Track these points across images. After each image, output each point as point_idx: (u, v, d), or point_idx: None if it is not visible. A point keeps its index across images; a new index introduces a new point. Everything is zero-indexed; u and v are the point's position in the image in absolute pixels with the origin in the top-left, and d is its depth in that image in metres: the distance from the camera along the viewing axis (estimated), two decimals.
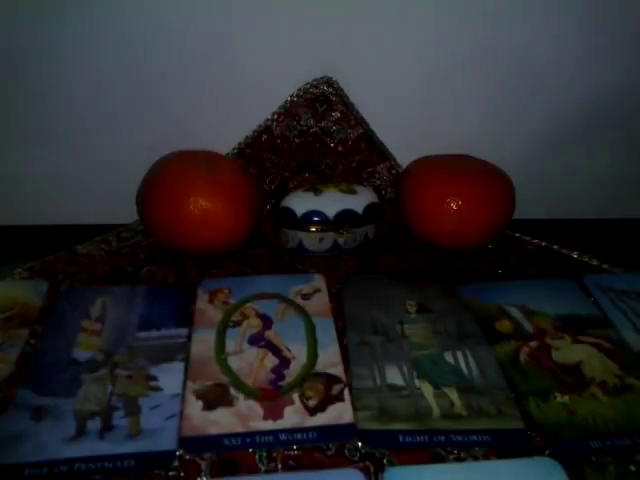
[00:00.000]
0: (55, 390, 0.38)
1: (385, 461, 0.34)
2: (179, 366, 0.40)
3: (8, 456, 0.34)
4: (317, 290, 0.49)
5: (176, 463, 0.33)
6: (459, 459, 0.35)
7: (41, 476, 0.33)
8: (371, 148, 0.61)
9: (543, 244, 0.57)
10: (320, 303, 0.47)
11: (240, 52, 0.57)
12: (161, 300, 0.47)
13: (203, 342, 0.42)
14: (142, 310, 0.46)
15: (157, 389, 0.38)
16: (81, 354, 0.41)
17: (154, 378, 0.39)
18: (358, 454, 0.35)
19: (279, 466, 0.34)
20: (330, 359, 0.41)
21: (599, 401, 0.38)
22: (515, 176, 0.54)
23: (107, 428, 0.35)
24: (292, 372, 0.40)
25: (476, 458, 0.35)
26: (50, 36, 0.54)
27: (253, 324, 0.44)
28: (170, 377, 0.39)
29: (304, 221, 0.52)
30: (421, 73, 0.59)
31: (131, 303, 0.46)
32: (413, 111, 0.61)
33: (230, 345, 0.42)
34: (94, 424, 0.36)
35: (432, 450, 0.35)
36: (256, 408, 0.37)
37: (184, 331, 0.44)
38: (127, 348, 0.42)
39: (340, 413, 0.37)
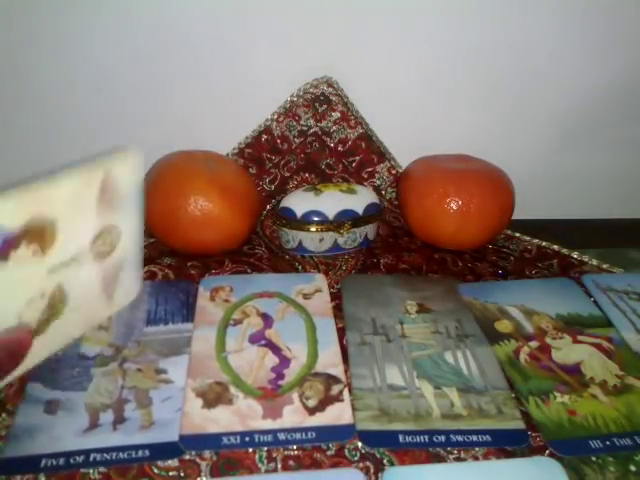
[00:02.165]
0: (66, 384, 0.38)
1: (385, 461, 0.34)
2: (187, 359, 0.41)
3: (24, 447, 0.34)
4: (318, 290, 0.49)
5: (176, 463, 0.34)
6: (459, 459, 0.35)
7: (58, 466, 0.33)
8: (371, 148, 0.61)
9: (543, 244, 0.57)
10: (321, 303, 0.47)
11: (240, 52, 0.57)
12: (167, 295, 0.47)
13: (203, 340, 0.42)
14: (148, 305, 0.46)
15: (167, 381, 0.39)
16: (89, 349, 0.41)
17: (164, 371, 0.40)
18: (358, 454, 0.35)
19: (279, 466, 0.34)
20: (330, 359, 0.41)
21: (599, 401, 0.38)
22: (515, 176, 0.54)
23: (120, 420, 0.36)
24: (292, 371, 0.40)
25: (476, 458, 0.35)
26: (51, 36, 0.54)
27: (254, 323, 0.44)
28: (179, 370, 0.40)
29: (304, 221, 0.52)
30: (421, 73, 0.59)
31: (137, 299, 0.46)
32: (413, 111, 0.61)
33: (230, 343, 0.42)
34: (107, 417, 0.36)
35: (432, 450, 0.35)
36: (255, 407, 0.37)
37: (190, 325, 0.44)
38: (135, 342, 0.42)
39: (339, 413, 0.37)
